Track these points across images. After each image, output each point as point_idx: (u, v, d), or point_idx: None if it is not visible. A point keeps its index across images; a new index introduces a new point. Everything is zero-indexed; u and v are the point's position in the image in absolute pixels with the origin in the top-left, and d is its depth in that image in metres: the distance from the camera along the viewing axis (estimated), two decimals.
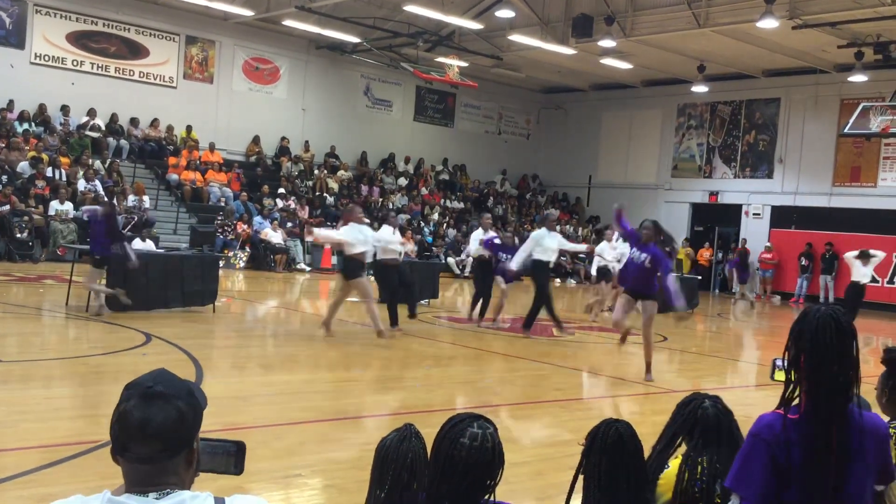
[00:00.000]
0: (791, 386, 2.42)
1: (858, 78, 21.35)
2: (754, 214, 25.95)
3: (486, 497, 2.41)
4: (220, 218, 21.26)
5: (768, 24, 18.14)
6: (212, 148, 23.60)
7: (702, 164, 27.66)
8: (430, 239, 24.26)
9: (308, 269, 21.82)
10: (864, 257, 14.71)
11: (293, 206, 23.27)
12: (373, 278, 12.09)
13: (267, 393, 7.42)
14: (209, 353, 9.35)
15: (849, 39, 20.21)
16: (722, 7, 19.50)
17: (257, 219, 22.00)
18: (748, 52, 22.43)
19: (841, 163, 24.34)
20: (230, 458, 1.95)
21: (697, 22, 19.81)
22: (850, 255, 15.21)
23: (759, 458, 2.37)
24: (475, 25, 21.99)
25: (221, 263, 15.14)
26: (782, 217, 25.20)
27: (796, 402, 2.43)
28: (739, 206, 26.38)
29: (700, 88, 24.91)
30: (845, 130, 19.34)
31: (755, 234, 25.20)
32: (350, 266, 10.56)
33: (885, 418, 3.14)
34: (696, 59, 23.49)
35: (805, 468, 2.36)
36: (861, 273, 14.80)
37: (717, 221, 27.09)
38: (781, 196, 25.42)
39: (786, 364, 2.45)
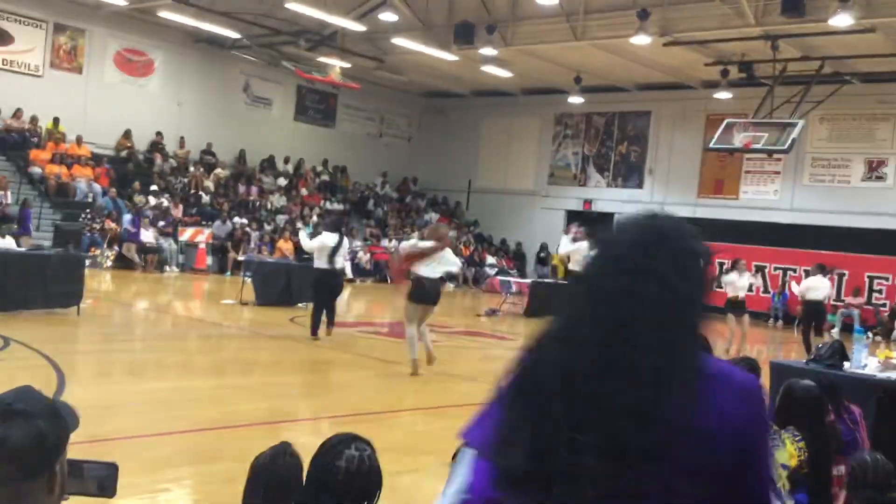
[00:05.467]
0: None
1: (724, 95, 22.44)
2: None
3: None
4: (86, 214, 20.32)
5: (641, 40, 18.83)
6: (79, 141, 22.53)
7: (577, 173, 28.43)
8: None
9: (178, 269, 21.15)
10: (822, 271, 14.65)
11: (166, 203, 22.50)
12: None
13: (135, 401, 7.13)
14: (72, 359, 8.90)
15: (715, 58, 21.21)
16: (598, 21, 20.10)
17: (127, 216, 21.16)
18: (622, 65, 23.20)
19: (706, 175, 25.53)
20: (101, 480, 1.85)
21: (575, 35, 20.34)
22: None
23: None
24: (358, 27, 21.87)
25: (87, 262, 14.47)
26: None
27: None
28: (612, 215, 27.21)
29: (576, 99, 25.59)
30: (710, 145, 20.24)
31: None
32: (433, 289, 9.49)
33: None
34: (573, 70, 24.11)
35: None
36: (739, 286, 14.93)
37: (590, 228, 27.86)
38: (650, 206, 26.24)
39: None
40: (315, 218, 25.91)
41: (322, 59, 23.76)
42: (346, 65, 24.21)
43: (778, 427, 4.09)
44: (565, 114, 28.39)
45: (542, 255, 28.11)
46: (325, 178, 28.79)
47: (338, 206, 27.72)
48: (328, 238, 11.42)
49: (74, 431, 1.73)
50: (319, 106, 29.01)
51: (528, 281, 20.24)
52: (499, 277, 23.24)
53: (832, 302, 16.53)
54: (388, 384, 9.20)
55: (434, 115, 31.72)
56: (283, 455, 2.60)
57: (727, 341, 13.73)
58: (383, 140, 31.08)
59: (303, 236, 12.59)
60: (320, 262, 11.27)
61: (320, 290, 11.26)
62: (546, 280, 21.94)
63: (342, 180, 29.30)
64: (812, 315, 14.92)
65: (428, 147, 31.82)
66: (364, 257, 24.93)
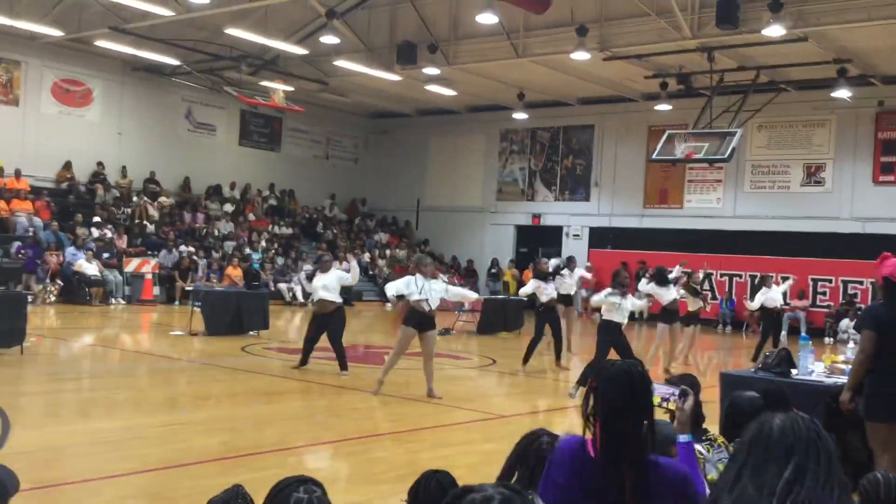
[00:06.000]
0: (593, 433, 2.58)
1: (664, 107, 22.85)
2: (574, 236, 27.12)
3: None
4: (20, 249, 19.77)
5: (581, 55, 19.10)
6: (17, 174, 22.03)
7: (524, 188, 28.64)
8: (257, 266, 23.71)
9: (124, 302, 20.75)
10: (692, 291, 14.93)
11: (110, 235, 22.10)
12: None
13: (83, 443, 6.95)
14: (16, 401, 8.65)
15: (654, 70, 21.59)
16: (538, 39, 20.33)
17: (70, 249, 20.72)
18: (564, 81, 23.49)
19: (650, 186, 25.91)
20: None
21: (516, 52, 20.54)
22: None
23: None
24: (300, 50, 21.81)
25: (30, 299, 14.11)
26: (599, 237, 26.48)
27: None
28: (560, 228, 27.48)
29: (520, 115, 25.82)
30: (653, 156, 20.57)
31: (576, 255, 26.29)
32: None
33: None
34: (516, 86, 24.34)
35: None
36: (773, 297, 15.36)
37: (540, 243, 28.02)
38: (598, 218, 26.71)
39: (585, 413, 2.61)
40: (264, 243, 25.69)
41: (265, 84, 23.63)
42: (290, 88, 24.11)
43: (724, 439, 4.14)
44: (510, 130, 28.62)
45: (493, 270, 28.20)
46: (273, 202, 28.57)
47: (286, 231, 27.53)
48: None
49: (21, 478, 1.68)
50: (264, 130, 28.82)
51: (481, 298, 20.25)
52: None
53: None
54: (343, 411, 9.11)
55: (380, 136, 31.73)
56: (235, 498, 2.55)
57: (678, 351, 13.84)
58: (330, 162, 30.98)
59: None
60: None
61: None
62: (498, 296, 22.00)
63: (290, 204, 29.10)
64: (772, 325, 15.43)
65: (375, 167, 31.80)
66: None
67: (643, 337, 19.02)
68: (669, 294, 13.05)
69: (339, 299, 11.39)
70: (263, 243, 25.77)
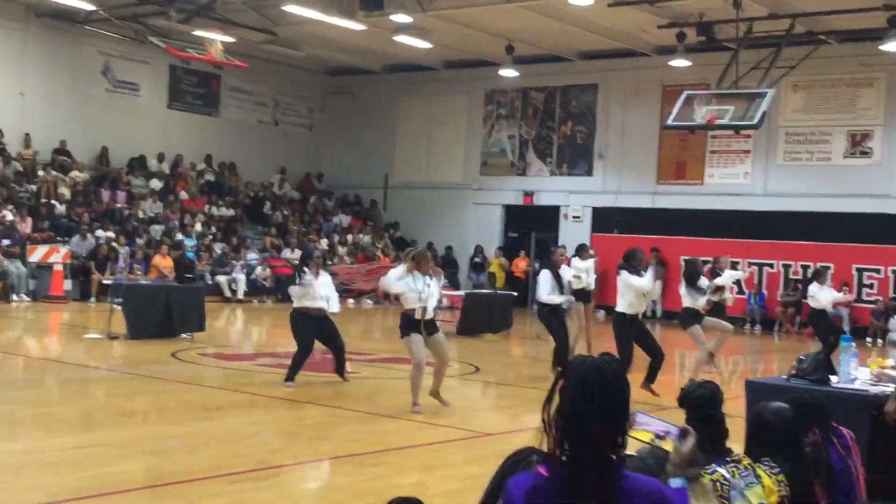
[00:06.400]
0: (553, 444, 2.61)
1: (681, 62, 22.91)
2: (574, 218, 27.20)
3: None
4: None
5: None
6: None
7: (514, 160, 28.67)
8: (191, 254, 23.60)
9: (28, 298, 20.60)
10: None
11: (11, 217, 21.91)
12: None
13: None
14: None
15: (670, 19, 21.65)
16: None
17: None
18: (561, 31, 23.49)
19: (665, 158, 26.02)
20: None
21: None
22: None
23: None
24: None
25: None
26: (604, 220, 26.57)
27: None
28: (557, 209, 27.55)
29: (509, 72, 25.81)
30: (669, 122, 20.62)
31: (576, 240, 26.34)
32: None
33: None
34: (504, 38, 24.32)
35: None
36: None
37: (533, 226, 28.14)
38: (602, 196, 26.80)
39: (547, 418, 2.64)
40: (199, 228, 25.56)
41: (199, 34, 23.43)
42: (230, 39, 23.94)
43: (750, 460, 4.17)
44: (497, 90, 28.61)
45: (476, 259, 28.24)
46: (210, 177, 28.44)
47: (226, 212, 27.41)
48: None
49: None
50: (199, 90, 28.64)
51: (462, 293, 20.30)
52: None
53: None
54: (296, 429, 9.10)
55: (340, 98, 31.61)
56: None
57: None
58: (279, 129, 30.84)
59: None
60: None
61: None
62: (483, 290, 22.05)
63: (231, 179, 28.99)
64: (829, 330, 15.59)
65: (334, 136, 31.68)
66: (262, 273, 24.68)
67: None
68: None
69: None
70: (199, 227, 25.65)
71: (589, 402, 2.60)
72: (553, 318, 12.88)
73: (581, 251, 15.87)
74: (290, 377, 11.17)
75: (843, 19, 21.01)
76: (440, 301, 20.28)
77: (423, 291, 9.89)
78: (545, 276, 12.90)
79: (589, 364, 2.67)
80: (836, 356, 6.72)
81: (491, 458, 2.95)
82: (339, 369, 11.66)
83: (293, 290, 11.49)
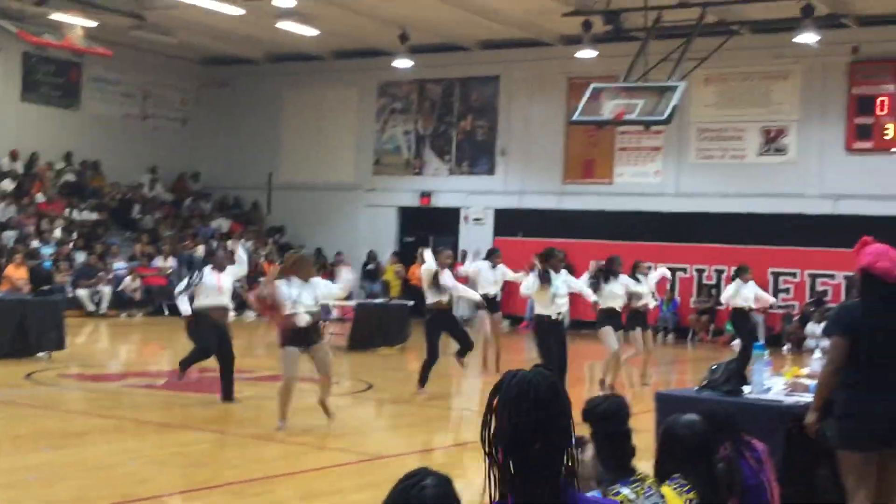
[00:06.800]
0: (495, 468, 2.60)
1: (587, 53, 23.27)
2: (475, 220, 27.39)
3: None
4: None
5: None
6: None
7: (410, 158, 28.73)
8: (49, 264, 23.05)
9: None
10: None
11: None
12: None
13: None
14: None
15: (575, 7, 21.98)
16: None
17: None
18: (459, 18, 23.65)
19: (572, 156, 26.39)
20: None
21: None
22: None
23: None
24: None
25: None
26: (507, 222, 26.80)
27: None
28: (457, 211, 27.69)
29: (404, 63, 25.86)
30: (575, 117, 20.91)
31: (477, 244, 26.58)
32: None
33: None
34: (397, 24, 24.35)
35: None
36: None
37: (431, 230, 28.17)
38: (505, 197, 27.04)
39: (485, 442, 2.63)
40: (58, 234, 24.98)
41: (56, 17, 22.93)
42: (92, 24, 23.50)
43: (655, 479, 4.25)
44: (391, 82, 28.64)
45: (369, 266, 28.20)
46: (70, 177, 27.91)
47: (90, 216, 26.85)
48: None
49: None
50: (57, 80, 28.04)
51: (353, 303, 20.24)
52: None
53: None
54: (167, 457, 8.96)
55: (217, 89, 31.28)
56: None
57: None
58: (149, 123, 30.36)
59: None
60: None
61: None
62: (376, 301, 22.02)
63: (94, 180, 28.46)
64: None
65: (211, 131, 31.30)
66: (131, 284, 24.23)
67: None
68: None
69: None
70: (58, 234, 25.12)
71: (526, 417, 2.60)
72: (431, 325, 12.89)
73: (492, 256, 16.01)
74: (183, 366, 11.36)
75: (755, 9, 21.65)
76: (328, 310, 20.29)
77: (301, 299, 9.76)
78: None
79: (520, 378, 2.68)
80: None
81: (384, 483, 2.94)
82: (228, 387, 11.40)
83: (182, 296, 11.25)
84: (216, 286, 11.29)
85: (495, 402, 2.69)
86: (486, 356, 15.31)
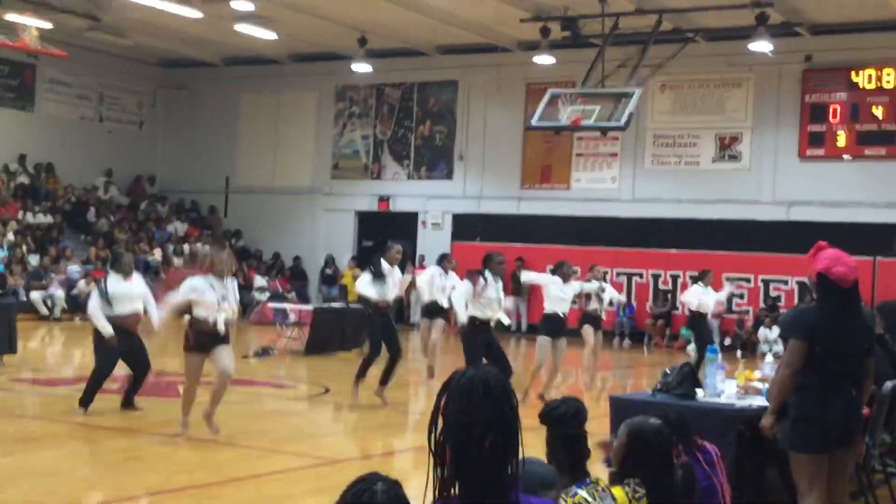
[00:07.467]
0: (444, 473, 2.58)
1: (545, 59, 23.37)
2: (433, 224, 27.39)
3: None
4: None
5: None
6: None
7: (368, 162, 28.68)
8: (2, 268, 22.76)
9: None
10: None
11: None
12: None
13: None
14: None
15: (533, 12, 22.05)
16: None
17: None
18: (417, 22, 23.65)
19: (530, 161, 26.47)
20: None
21: None
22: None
23: None
24: None
25: None
26: (465, 227, 26.82)
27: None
28: (416, 215, 27.68)
29: (362, 67, 25.82)
30: (532, 122, 20.97)
31: (435, 250, 26.55)
32: None
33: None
34: (356, 29, 24.31)
35: None
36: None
37: (389, 234, 27.98)
38: (464, 201, 27.07)
39: (432, 446, 2.62)
40: (11, 237, 24.66)
41: (10, 18, 22.64)
42: (47, 24, 23.21)
43: (614, 479, 4.25)
44: (349, 86, 28.58)
45: (328, 271, 28.11)
46: (24, 180, 27.63)
47: (43, 219, 26.54)
48: None
49: None
50: (10, 81, 27.76)
51: (311, 307, 20.17)
52: (271, 304, 22.99)
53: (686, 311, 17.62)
54: (120, 461, 8.87)
55: (174, 92, 31.07)
56: None
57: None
58: (105, 126, 30.10)
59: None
60: None
61: None
62: (334, 305, 21.94)
63: (48, 182, 28.18)
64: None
65: (168, 134, 31.10)
66: (85, 287, 23.93)
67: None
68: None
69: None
70: (11, 236, 24.84)
71: (477, 413, 2.59)
72: (377, 320, 12.47)
73: (443, 262, 15.90)
74: (85, 403, 10.63)
75: (711, 17, 21.84)
76: (285, 316, 20.19)
77: (221, 296, 9.48)
78: (364, 275, 12.60)
79: (470, 375, 2.67)
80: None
81: (339, 487, 2.92)
82: (132, 394, 11.01)
83: (98, 313, 10.64)
84: (128, 294, 10.82)
85: (443, 400, 2.68)
86: (432, 362, 15.04)
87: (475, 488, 2.59)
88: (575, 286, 13.63)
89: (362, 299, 12.81)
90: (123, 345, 10.73)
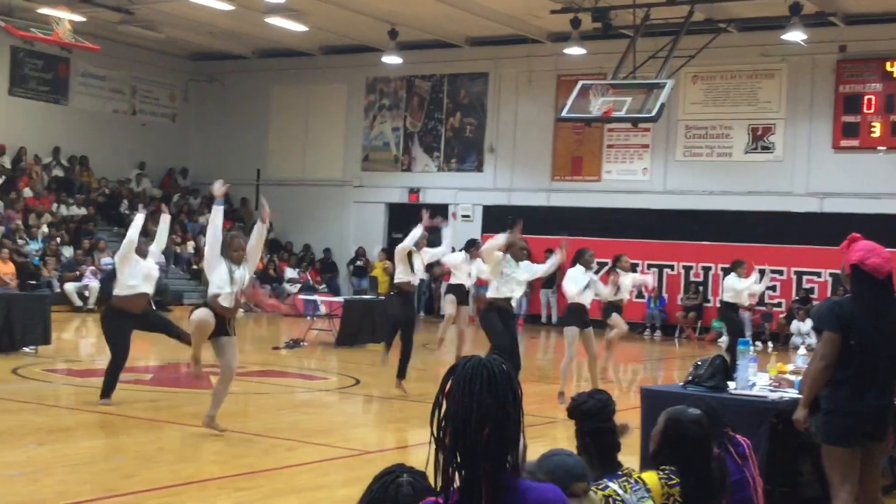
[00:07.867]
0: (444, 458, 2.59)
1: (576, 50, 23.29)
2: (463, 217, 27.36)
3: None
4: None
5: None
6: None
7: (399, 155, 28.70)
8: (37, 260, 22.94)
9: None
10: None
11: None
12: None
13: None
14: None
15: (563, 3, 21.97)
16: None
17: None
18: (448, 14, 23.63)
19: (560, 153, 26.40)
20: None
21: None
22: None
23: None
24: None
25: None
26: (496, 219, 26.71)
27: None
28: (446, 207, 27.62)
29: (393, 59, 25.84)
30: (563, 114, 20.88)
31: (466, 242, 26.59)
32: None
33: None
34: (386, 21, 24.33)
35: None
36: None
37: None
38: (494, 193, 27.03)
39: (434, 430, 2.63)
40: (45, 229, 24.88)
41: (45, 11, 22.83)
42: (80, 18, 23.41)
43: (639, 473, 4.23)
44: (380, 78, 28.60)
45: (358, 263, 28.17)
46: (58, 172, 27.84)
47: (77, 212, 26.75)
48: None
49: None
50: (45, 75, 27.92)
51: (341, 299, 20.21)
52: (302, 296, 23.07)
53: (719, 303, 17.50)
54: (153, 452, 8.91)
55: (206, 85, 31.20)
56: None
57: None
58: (138, 119, 30.28)
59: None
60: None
61: None
62: (364, 297, 21.99)
63: (82, 175, 28.39)
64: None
65: (200, 127, 31.25)
66: None
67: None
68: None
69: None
70: (45, 229, 25.03)
71: (477, 401, 2.59)
72: (395, 301, 13.27)
73: (470, 248, 15.89)
74: (106, 393, 10.70)
75: (743, 6, 21.67)
76: (315, 308, 20.23)
77: (235, 279, 9.49)
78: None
79: (475, 362, 2.67)
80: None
81: (370, 479, 2.92)
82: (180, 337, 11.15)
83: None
84: (136, 272, 10.89)
85: (448, 384, 2.68)
86: (460, 351, 15.11)
87: (474, 475, 2.59)
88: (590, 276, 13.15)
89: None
90: (130, 328, 10.92)
